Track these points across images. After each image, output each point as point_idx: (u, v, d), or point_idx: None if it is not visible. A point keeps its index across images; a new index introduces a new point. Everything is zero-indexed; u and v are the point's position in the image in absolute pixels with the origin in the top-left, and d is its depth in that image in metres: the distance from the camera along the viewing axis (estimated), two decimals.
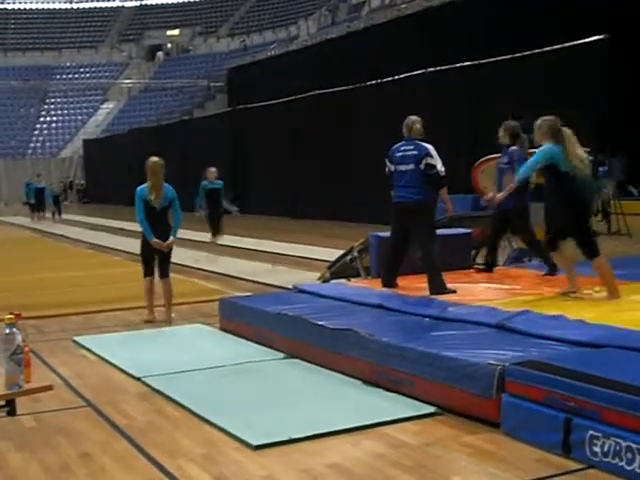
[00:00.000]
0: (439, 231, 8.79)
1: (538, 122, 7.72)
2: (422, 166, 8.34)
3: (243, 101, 34.60)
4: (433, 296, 8.01)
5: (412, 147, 8.48)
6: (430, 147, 8.46)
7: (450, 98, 20.39)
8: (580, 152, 7.47)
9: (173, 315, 9.41)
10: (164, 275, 9.41)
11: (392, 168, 8.61)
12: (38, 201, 32.99)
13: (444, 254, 8.49)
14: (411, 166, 8.41)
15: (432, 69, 21.38)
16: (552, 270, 8.94)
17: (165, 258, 9.41)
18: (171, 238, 9.28)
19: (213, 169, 16.53)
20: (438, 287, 8.17)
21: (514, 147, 9.33)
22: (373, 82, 24.03)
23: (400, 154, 8.55)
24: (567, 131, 7.51)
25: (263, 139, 29.91)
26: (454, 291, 8.13)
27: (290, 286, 9.75)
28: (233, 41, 62.30)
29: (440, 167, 8.39)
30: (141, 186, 9.27)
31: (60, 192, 40.30)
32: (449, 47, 23.81)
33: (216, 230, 16.90)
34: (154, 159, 9.39)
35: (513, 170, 8.92)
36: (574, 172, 7.37)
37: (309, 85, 28.23)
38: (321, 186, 25.98)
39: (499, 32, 22.71)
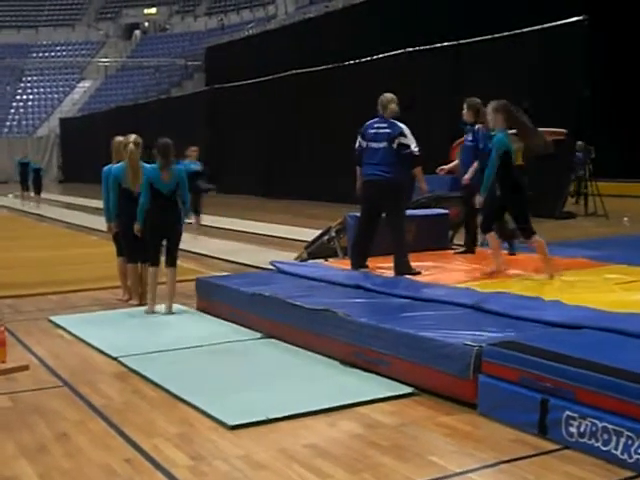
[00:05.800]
0: (417, 211, 8.77)
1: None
2: (395, 145, 8.25)
3: (220, 80, 34.41)
4: (398, 276, 8.05)
5: (386, 125, 8.38)
6: (404, 127, 8.37)
7: (429, 78, 20.36)
8: None
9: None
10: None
11: (364, 144, 8.47)
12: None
13: (422, 234, 8.48)
14: (383, 144, 8.31)
15: (410, 49, 21.34)
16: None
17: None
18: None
19: (194, 148, 15.80)
20: (403, 268, 8.18)
21: (478, 125, 9.21)
22: (351, 62, 23.95)
23: (373, 131, 8.43)
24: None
25: (240, 118, 29.76)
26: (419, 272, 8.13)
27: (267, 266, 9.72)
28: (210, 20, 61.81)
29: (414, 147, 8.30)
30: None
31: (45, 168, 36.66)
32: (428, 27, 23.76)
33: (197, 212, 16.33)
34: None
35: (477, 148, 8.91)
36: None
37: (287, 65, 28.10)
38: (299, 166, 25.89)
39: (479, 13, 22.70)
